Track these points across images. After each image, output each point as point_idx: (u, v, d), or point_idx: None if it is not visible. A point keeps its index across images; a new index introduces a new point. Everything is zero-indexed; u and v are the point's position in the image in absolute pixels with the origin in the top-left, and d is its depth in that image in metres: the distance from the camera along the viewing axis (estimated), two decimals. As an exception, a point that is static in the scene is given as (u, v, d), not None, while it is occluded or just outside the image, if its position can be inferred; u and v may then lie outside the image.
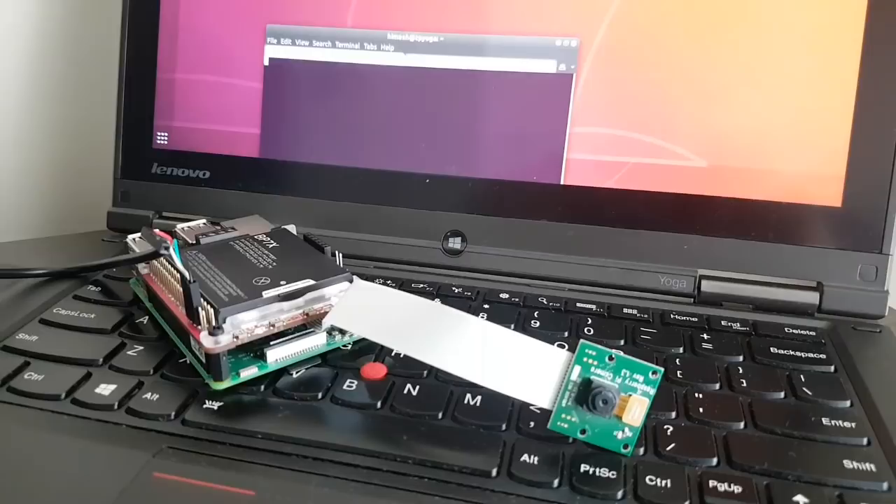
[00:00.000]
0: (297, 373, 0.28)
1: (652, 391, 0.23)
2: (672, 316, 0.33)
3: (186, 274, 0.26)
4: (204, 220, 0.34)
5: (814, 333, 0.32)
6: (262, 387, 0.27)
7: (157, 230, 0.32)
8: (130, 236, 0.33)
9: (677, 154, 0.35)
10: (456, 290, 0.35)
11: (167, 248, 0.27)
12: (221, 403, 0.26)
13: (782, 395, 0.27)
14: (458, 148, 0.37)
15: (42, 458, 0.24)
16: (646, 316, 0.33)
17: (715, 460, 0.24)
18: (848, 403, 0.27)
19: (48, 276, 0.35)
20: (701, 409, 0.26)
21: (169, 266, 0.29)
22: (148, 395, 0.26)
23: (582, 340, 0.24)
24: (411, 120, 0.38)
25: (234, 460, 0.23)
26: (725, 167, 0.35)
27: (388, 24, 0.38)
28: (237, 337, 0.26)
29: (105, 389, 0.27)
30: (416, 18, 0.37)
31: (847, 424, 0.26)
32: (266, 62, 0.39)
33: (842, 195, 0.34)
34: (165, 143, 0.41)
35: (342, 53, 0.38)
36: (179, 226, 0.33)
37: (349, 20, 0.38)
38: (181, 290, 0.27)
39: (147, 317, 0.32)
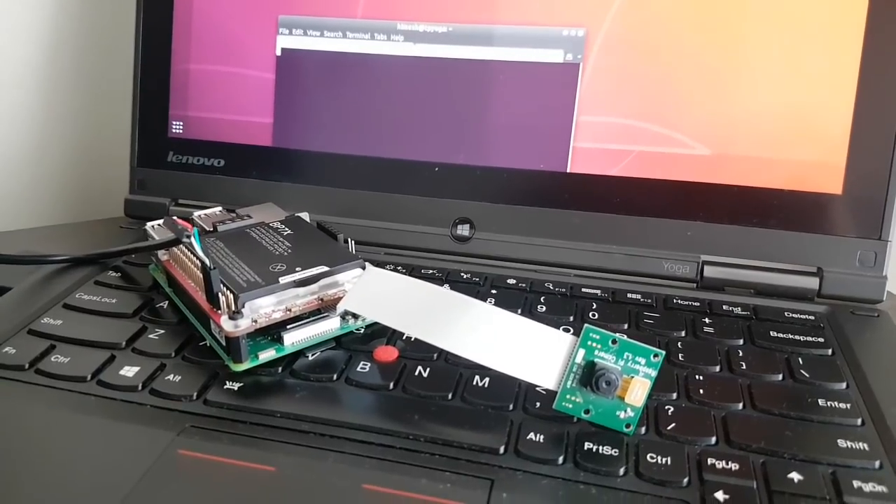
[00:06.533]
0: (312, 355, 0.29)
1: (653, 373, 0.24)
2: (675, 301, 0.34)
3: (207, 261, 0.27)
4: (220, 208, 0.35)
5: (813, 318, 0.33)
6: (280, 368, 0.28)
7: (176, 218, 0.33)
8: (149, 223, 0.34)
9: (681, 142, 0.36)
10: (464, 276, 0.36)
11: (189, 237, 0.28)
12: (241, 384, 0.27)
13: (780, 377, 0.28)
14: (467, 136, 0.38)
15: (71, 437, 0.25)
16: (649, 301, 0.34)
17: (714, 439, 0.25)
18: (844, 385, 0.28)
19: (70, 262, 0.36)
20: (701, 391, 0.27)
21: (189, 253, 0.30)
22: (170, 377, 0.28)
23: (586, 325, 0.24)
24: (420, 109, 0.39)
25: (255, 438, 0.25)
26: (728, 155, 0.35)
27: (398, 15, 0.38)
28: (256, 321, 0.27)
29: (129, 371, 0.28)
30: (425, 9, 0.38)
31: (842, 405, 0.26)
32: (278, 52, 0.40)
33: (842, 183, 0.34)
34: (180, 132, 0.42)
35: (353, 44, 0.39)
36: (197, 213, 0.34)
37: (359, 11, 0.39)
38: (201, 276, 0.28)
39: (167, 301, 0.33)
